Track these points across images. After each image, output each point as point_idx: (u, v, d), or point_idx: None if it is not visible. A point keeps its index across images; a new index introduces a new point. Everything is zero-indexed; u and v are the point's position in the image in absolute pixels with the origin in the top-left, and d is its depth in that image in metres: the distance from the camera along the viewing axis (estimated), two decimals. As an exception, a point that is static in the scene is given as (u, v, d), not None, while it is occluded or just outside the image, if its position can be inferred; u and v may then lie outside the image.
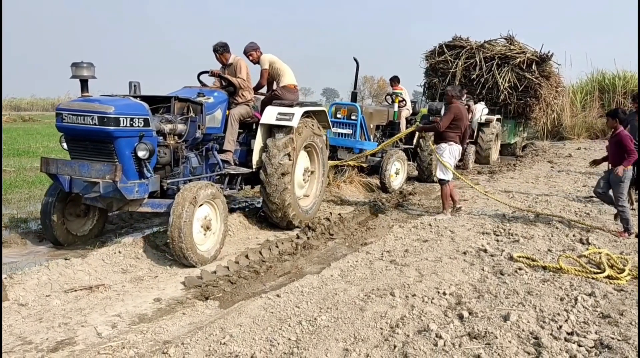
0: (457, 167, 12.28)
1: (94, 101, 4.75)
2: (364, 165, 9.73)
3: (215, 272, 4.81)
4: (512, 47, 15.97)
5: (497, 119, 14.98)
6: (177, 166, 5.60)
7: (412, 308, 3.80)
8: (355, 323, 3.55)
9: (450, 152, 7.19)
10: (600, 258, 4.93)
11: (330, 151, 9.52)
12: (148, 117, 5.00)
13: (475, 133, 14.08)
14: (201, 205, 5.01)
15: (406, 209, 8.00)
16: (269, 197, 6.20)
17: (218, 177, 6.18)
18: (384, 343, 3.26)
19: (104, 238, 5.93)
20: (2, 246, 5.22)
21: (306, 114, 6.67)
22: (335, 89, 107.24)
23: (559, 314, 3.68)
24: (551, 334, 3.37)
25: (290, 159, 6.16)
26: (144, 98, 5.49)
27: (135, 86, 5.92)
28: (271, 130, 6.36)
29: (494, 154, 14.83)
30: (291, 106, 6.43)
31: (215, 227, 5.27)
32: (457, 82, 15.84)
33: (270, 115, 6.31)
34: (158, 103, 5.68)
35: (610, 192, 6.24)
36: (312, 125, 6.79)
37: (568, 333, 3.39)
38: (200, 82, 6.69)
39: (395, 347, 3.20)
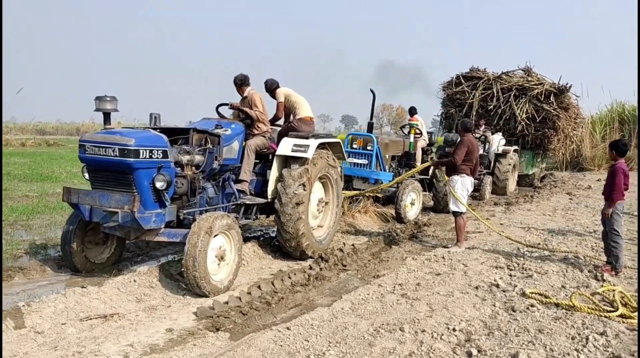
0: (473, 197, 12.34)
1: (116, 133, 4.93)
2: (379, 195, 9.81)
3: (227, 303, 4.84)
4: (529, 78, 16.08)
5: (515, 150, 14.96)
6: (193, 196, 5.74)
7: (420, 345, 3.80)
8: None
9: (462, 184, 7.28)
10: (614, 295, 4.88)
11: (346, 181, 9.69)
12: (167, 149, 5.16)
13: (492, 164, 14.07)
14: (216, 235, 5.11)
15: (420, 241, 8.03)
16: (283, 226, 6.31)
17: (234, 207, 6.29)
18: None
19: (120, 265, 6.07)
20: (2, 250, 5.40)
21: (321, 146, 6.82)
22: (354, 116, 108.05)
23: (568, 354, 3.66)
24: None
25: (305, 190, 6.29)
26: (164, 130, 5.67)
27: (155, 117, 6.14)
28: (287, 161, 6.50)
29: (511, 185, 14.77)
30: (306, 137, 6.57)
31: (229, 258, 5.36)
32: (475, 113, 15.98)
33: (286, 146, 6.47)
34: (177, 134, 5.87)
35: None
36: (327, 156, 6.94)
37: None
38: (219, 114, 6.92)
39: None
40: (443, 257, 6.57)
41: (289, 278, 5.77)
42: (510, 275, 5.80)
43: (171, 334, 4.17)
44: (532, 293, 5.00)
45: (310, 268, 6.25)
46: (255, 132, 6.66)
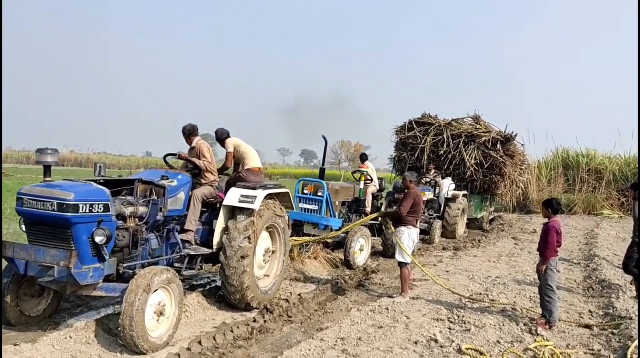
0: (423, 241, 12.61)
1: (55, 187, 4.84)
2: (329, 240, 9.88)
3: (210, 345, 4.95)
4: (478, 126, 16.72)
5: (464, 195, 15.40)
6: (135, 248, 5.65)
7: None
8: None
9: (409, 235, 7.45)
10: (544, 352, 5.07)
11: (297, 226, 9.85)
12: (108, 202, 5.09)
13: (442, 208, 14.45)
14: (155, 290, 5.02)
15: (367, 290, 8.08)
16: (227, 279, 6.25)
17: (178, 257, 6.23)
18: None
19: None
20: (2, 252, 5.05)
21: (269, 196, 6.84)
22: (313, 150, 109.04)
23: None
24: None
25: (250, 242, 6.26)
26: (109, 181, 5.66)
27: (100, 167, 6.06)
28: (234, 211, 6.49)
29: (460, 229, 15.11)
30: (254, 188, 6.60)
31: (169, 312, 5.25)
32: (426, 157, 16.47)
33: (233, 196, 6.47)
34: (122, 185, 5.83)
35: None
36: (275, 206, 6.96)
37: None
38: (167, 163, 6.94)
39: None
40: (387, 308, 6.62)
41: (232, 331, 5.65)
42: (450, 328, 5.91)
43: None
44: (467, 348, 5.12)
45: (255, 320, 6.13)
46: (203, 181, 6.69)
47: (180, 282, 5.36)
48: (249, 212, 6.39)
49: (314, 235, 9.66)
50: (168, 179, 6.09)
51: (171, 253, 6.20)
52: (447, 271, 9.29)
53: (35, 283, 5.43)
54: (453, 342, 5.38)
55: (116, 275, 5.38)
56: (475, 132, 16.38)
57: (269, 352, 5.33)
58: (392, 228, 7.70)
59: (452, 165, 16.38)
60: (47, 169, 5.00)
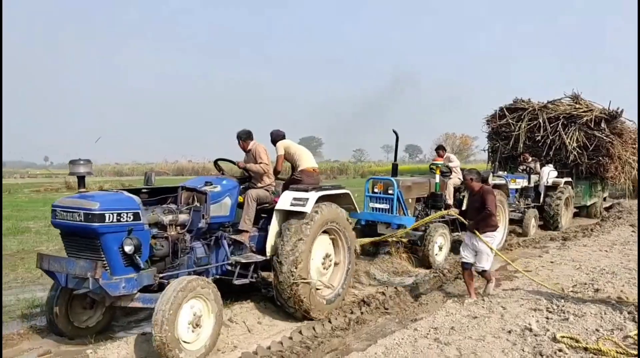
0: (518, 234, 12.23)
1: (83, 198, 4.75)
2: (404, 240, 9.25)
3: (269, 348, 5.09)
4: (577, 105, 15.26)
5: (567, 182, 13.98)
6: (177, 257, 5.44)
7: None
8: None
9: (498, 241, 6.84)
10: (645, 340, 4.88)
11: (369, 227, 9.41)
12: (139, 211, 4.91)
13: (542, 197, 13.39)
14: (188, 301, 4.74)
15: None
16: (280, 286, 5.85)
17: (230, 266, 5.97)
18: None
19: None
20: (2, 252, 5.34)
21: (327, 198, 6.44)
22: (418, 145, 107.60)
23: None
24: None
25: (302, 248, 5.84)
26: (154, 190, 5.61)
27: (149, 176, 6.07)
28: (287, 215, 6.15)
29: (564, 219, 13.66)
30: (306, 190, 6.22)
31: (206, 322, 4.94)
32: (522, 145, 15.36)
33: (285, 200, 6.12)
34: (168, 193, 5.73)
35: None
36: (333, 208, 6.46)
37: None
38: (218, 168, 6.81)
39: None
40: (483, 299, 6.50)
41: (330, 322, 5.89)
42: (547, 318, 5.57)
43: None
44: (562, 337, 4.91)
45: (352, 312, 6.29)
46: (259, 185, 6.50)
47: (216, 291, 5.00)
48: (301, 216, 5.99)
49: (388, 236, 9.09)
50: (212, 185, 5.91)
51: (219, 262, 5.94)
52: (551, 263, 8.93)
53: (86, 295, 5.26)
54: (548, 330, 5.10)
55: (158, 285, 5.15)
56: (574, 112, 14.93)
57: (363, 340, 5.46)
58: (478, 234, 6.66)
59: (552, 151, 15.05)
60: (80, 180, 4.98)
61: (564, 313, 5.91)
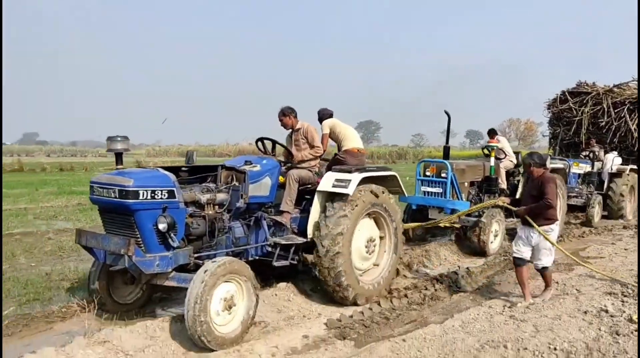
0: (582, 223, 11.73)
1: (119, 174, 4.68)
2: (457, 225, 8.88)
3: (352, 316, 5.41)
4: None
5: (632, 169, 13.09)
6: (214, 237, 5.31)
7: None
8: None
9: (556, 235, 6.18)
10: None
11: (422, 212, 9.02)
12: (173, 188, 4.80)
13: (606, 185, 12.68)
14: (222, 283, 4.62)
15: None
16: (320, 272, 5.67)
17: (270, 248, 5.79)
18: None
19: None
20: (2, 248, 5.36)
21: (372, 179, 6.18)
22: (479, 130, 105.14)
23: None
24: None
25: (343, 231, 5.61)
26: (194, 168, 5.51)
27: (190, 155, 5.93)
28: (329, 197, 5.94)
29: (629, 208, 12.90)
30: (350, 171, 5.96)
31: (240, 305, 4.79)
32: (584, 131, 14.58)
33: (327, 182, 5.89)
34: (208, 172, 5.62)
35: None
36: (378, 191, 6.16)
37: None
38: (261, 148, 6.54)
39: None
40: (557, 282, 6.51)
41: (406, 297, 6.18)
42: (623, 301, 5.53)
43: (307, 340, 4.83)
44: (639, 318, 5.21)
45: (426, 288, 6.51)
46: (302, 165, 6.29)
47: (250, 273, 4.83)
48: (344, 198, 5.75)
49: (440, 221, 8.63)
50: (251, 164, 5.75)
51: (258, 243, 5.77)
52: (625, 250, 8.86)
53: (127, 271, 5.17)
54: (624, 312, 5.12)
55: (194, 265, 5.07)
56: None
57: (440, 314, 5.67)
58: (536, 226, 5.84)
59: (617, 137, 14.11)
60: (118, 157, 4.89)
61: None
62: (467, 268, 7.42)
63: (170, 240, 4.75)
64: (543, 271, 6.02)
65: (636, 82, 14.64)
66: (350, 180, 5.78)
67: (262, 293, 5.42)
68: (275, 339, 4.87)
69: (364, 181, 5.97)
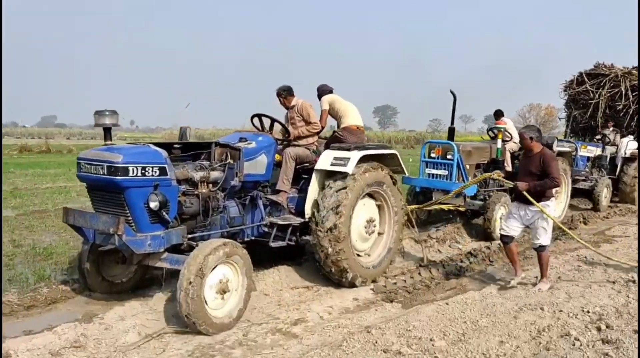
0: (591, 208, 11.59)
1: (107, 150, 4.52)
2: (462, 209, 8.75)
3: (395, 283, 6.02)
4: None
5: None
6: (208, 216, 5.19)
7: (557, 320, 4.49)
8: (509, 326, 4.39)
9: (552, 209, 5.98)
10: None
11: (425, 195, 8.86)
12: (165, 165, 4.65)
13: (619, 169, 12.58)
14: (215, 267, 4.48)
15: (566, 241, 8.25)
16: (319, 251, 5.54)
17: (266, 228, 5.67)
18: (532, 341, 4.09)
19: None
20: (1, 245, 5.39)
21: (372, 158, 6.03)
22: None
23: None
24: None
25: (342, 211, 5.48)
26: (187, 145, 5.37)
27: (184, 131, 5.80)
28: (328, 176, 5.82)
29: None
30: (349, 149, 5.83)
31: (235, 285, 4.69)
32: (601, 114, 14.29)
33: (325, 160, 5.78)
34: (201, 149, 5.47)
35: None
36: (378, 169, 6.03)
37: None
38: (255, 125, 6.39)
39: (540, 343, 4.06)
40: (585, 257, 7.10)
41: (444, 267, 6.71)
42: None
43: (357, 302, 5.42)
44: None
45: (461, 261, 7.06)
46: (300, 143, 6.20)
47: (244, 252, 4.75)
48: (342, 176, 5.62)
49: (445, 204, 8.56)
50: (246, 141, 5.59)
51: (254, 223, 5.67)
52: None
53: (119, 250, 5.02)
54: None
55: (188, 246, 4.92)
56: None
57: (477, 281, 6.25)
58: (537, 204, 5.69)
59: (634, 121, 13.80)
60: (107, 132, 4.69)
61: None
62: (499, 243, 7.79)
63: (162, 218, 4.65)
64: (540, 251, 5.87)
65: None
66: (349, 158, 5.67)
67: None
68: (329, 301, 5.44)
69: (364, 159, 5.86)
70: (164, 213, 4.62)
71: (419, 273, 6.44)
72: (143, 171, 4.51)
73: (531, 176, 5.71)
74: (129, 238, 4.47)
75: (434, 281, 6.26)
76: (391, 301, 5.47)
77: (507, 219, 6.07)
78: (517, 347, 4.08)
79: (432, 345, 4.14)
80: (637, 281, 5.64)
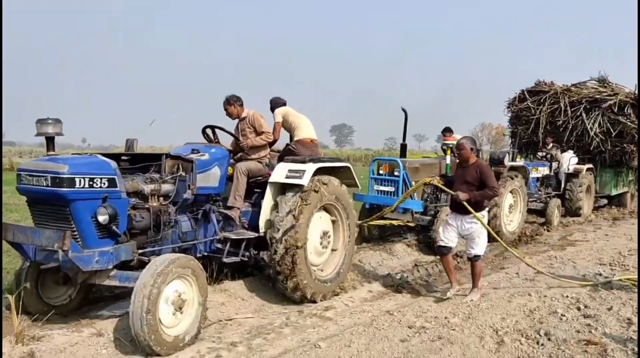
0: (541, 224, 12.15)
1: (50, 160, 4.29)
2: (411, 224, 8.95)
3: (400, 278, 7.06)
4: (602, 89, 14.54)
5: (588, 169, 13.59)
6: (159, 231, 5.02)
7: (544, 303, 5.57)
8: (506, 307, 5.39)
9: (487, 219, 6.18)
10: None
11: (374, 211, 8.79)
12: (114, 177, 4.47)
13: (563, 185, 13.09)
14: (170, 282, 4.30)
15: (535, 245, 9.72)
16: (275, 265, 5.50)
17: (219, 244, 5.58)
18: (527, 318, 5.10)
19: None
20: (1, 245, 4.86)
21: (326, 171, 6.02)
22: (454, 135, 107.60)
23: (630, 319, 5.04)
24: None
25: (299, 222, 5.47)
26: (136, 156, 5.18)
27: (131, 142, 5.49)
28: (282, 189, 5.78)
29: (586, 207, 13.33)
30: (304, 161, 5.84)
31: (191, 304, 4.52)
32: (542, 130, 14.81)
33: (279, 173, 5.77)
34: (151, 161, 5.28)
35: None
36: (332, 183, 6.04)
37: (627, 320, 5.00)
38: (206, 136, 6.24)
39: (534, 319, 5.07)
40: (555, 257, 8.29)
41: (437, 266, 7.66)
42: (611, 269, 7.35)
43: (372, 293, 6.42)
44: (626, 278, 6.45)
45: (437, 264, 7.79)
46: (252, 156, 6.12)
47: (201, 271, 4.60)
48: (298, 189, 5.61)
49: (392, 219, 8.79)
50: (199, 153, 5.49)
51: (207, 238, 5.56)
52: (606, 235, 10.58)
53: (59, 270, 4.80)
54: (614, 275, 6.81)
55: (138, 263, 4.77)
56: (598, 96, 14.24)
57: (467, 277, 6.91)
58: (475, 213, 5.79)
59: (574, 136, 14.40)
60: (49, 142, 4.41)
61: (624, 266, 7.59)
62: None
63: (111, 233, 4.47)
64: (474, 261, 6.05)
65: (594, 82, 15.18)
66: (304, 171, 5.67)
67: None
68: (346, 295, 6.30)
69: (319, 172, 5.88)
70: (114, 227, 4.44)
71: (414, 272, 7.45)
72: (91, 183, 4.32)
73: (467, 186, 5.87)
74: (75, 255, 4.20)
75: (430, 278, 7.28)
76: (400, 292, 6.42)
77: (444, 230, 6.21)
78: (516, 321, 5.06)
79: (448, 321, 5.11)
80: (637, 285, 6.13)
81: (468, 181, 5.87)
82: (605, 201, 15.17)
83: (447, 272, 6.30)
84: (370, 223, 8.48)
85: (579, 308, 5.44)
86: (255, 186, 6.17)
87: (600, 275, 7.00)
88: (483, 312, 5.35)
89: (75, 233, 4.31)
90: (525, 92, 15.62)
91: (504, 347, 4.47)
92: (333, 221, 6.29)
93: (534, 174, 12.38)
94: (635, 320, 5.02)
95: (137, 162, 5.19)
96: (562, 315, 5.22)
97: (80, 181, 4.23)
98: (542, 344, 4.50)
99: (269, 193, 5.80)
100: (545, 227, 11.57)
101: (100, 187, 4.37)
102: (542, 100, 15.09)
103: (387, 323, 5.05)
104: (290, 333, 4.96)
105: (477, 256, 6.04)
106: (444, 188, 6.25)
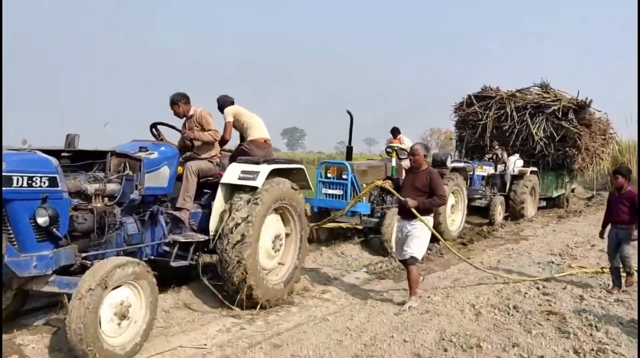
0: (476, 224, 12.86)
1: None
2: (359, 227, 9.06)
3: (381, 267, 7.82)
4: (545, 95, 15.32)
5: (533, 172, 14.18)
6: (103, 234, 4.74)
7: (508, 284, 6.70)
8: (477, 288, 6.46)
9: (432, 223, 6.19)
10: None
11: (323, 215, 9.02)
12: (55, 175, 4.21)
13: (508, 186, 13.66)
14: (117, 287, 4.07)
15: (493, 238, 10.86)
16: (225, 269, 5.33)
17: (166, 246, 5.35)
18: (496, 295, 6.13)
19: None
20: (2, 247, 4.18)
21: (279, 173, 5.89)
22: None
23: (582, 296, 6.12)
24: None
25: (251, 227, 5.31)
26: (78, 154, 4.85)
27: (71, 139, 5.12)
28: (234, 190, 5.63)
29: (530, 209, 13.94)
30: (258, 163, 5.71)
31: (137, 315, 4.28)
32: (489, 134, 15.37)
33: (232, 173, 5.63)
34: (95, 158, 4.99)
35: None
36: (286, 185, 5.90)
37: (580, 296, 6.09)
38: (154, 134, 6.03)
39: (502, 296, 6.10)
40: (512, 249, 9.50)
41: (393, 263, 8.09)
42: (561, 257, 8.68)
43: (359, 280, 7.18)
44: (577, 266, 7.88)
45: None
46: (202, 156, 5.92)
47: (152, 278, 4.39)
48: (250, 191, 5.49)
49: (342, 222, 8.98)
50: (147, 151, 5.23)
51: (154, 241, 5.32)
52: (554, 231, 11.88)
53: None
54: (565, 263, 8.23)
55: (80, 267, 4.49)
56: (542, 102, 15.01)
57: (440, 266, 8.16)
58: (421, 217, 5.80)
59: (519, 140, 15.08)
60: None
61: (573, 256, 8.78)
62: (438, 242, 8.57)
63: (51, 236, 4.21)
64: (410, 263, 5.88)
65: (537, 88, 15.89)
66: (258, 172, 5.56)
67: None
68: (338, 283, 7.04)
69: (272, 174, 5.76)
70: (54, 230, 4.17)
71: (388, 263, 8.10)
72: (30, 182, 4.04)
73: (415, 192, 5.89)
74: (11, 259, 3.94)
75: (399, 271, 7.71)
76: (383, 279, 7.32)
77: (396, 244, 6.32)
78: (487, 298, 6.13)
79: (431, 299, 6.06)
80: (637, 284, 6.50)
81: (417, 188, 5.91)
82: (544, 203, 15.96)
83: (414, 283, 5.92)
84: (322, 226, 8.62)
85: (538, 288, 6.57)
86: (205, 187, 6.01)
87: (553, 262, 8.12)
88: (459, 292, 6.38)
89: (12, 235, 4.04)
90: (472, 97, 16.22)
91: (481, 316, 5.44)
92: (285, 223, 6.16)
93: (479, 172, 12.99)
94: (586, 296, 6.14)
95: (80, 160, 4.91)
96: (525, 293, 6.34)
97: (18, 179, 3.96)
98: (512, 315, 5.48)
99: (219, 194, 5.67)
100: (488, 227, 12.14)
101: (40, 186, 4.11)
102: (489, 105, 15.72)
103: (381, 302, 6.03)
104: (297, 311, 5.79)
105: (412, 258, 5.86)
106: (394, 192, 6.21)
